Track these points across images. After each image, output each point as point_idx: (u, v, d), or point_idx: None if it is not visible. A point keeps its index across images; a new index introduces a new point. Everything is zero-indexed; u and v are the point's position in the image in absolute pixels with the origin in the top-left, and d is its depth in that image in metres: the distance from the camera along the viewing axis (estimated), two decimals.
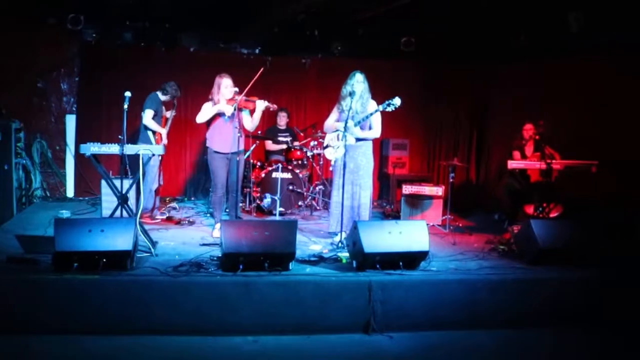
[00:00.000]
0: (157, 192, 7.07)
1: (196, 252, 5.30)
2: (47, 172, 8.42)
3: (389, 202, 8.72)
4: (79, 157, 8.10)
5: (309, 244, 5.91)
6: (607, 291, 4.86)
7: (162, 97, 6.87)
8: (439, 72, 9.23)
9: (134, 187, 5.51)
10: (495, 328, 4.64)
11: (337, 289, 4.53)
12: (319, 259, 5.16)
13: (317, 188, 8.10)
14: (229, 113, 5.95)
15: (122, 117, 5.11)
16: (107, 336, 4.20)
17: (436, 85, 9.25)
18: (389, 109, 5.57)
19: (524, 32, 7.83)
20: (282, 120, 8.44)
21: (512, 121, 7.81)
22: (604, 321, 4.78)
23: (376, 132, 5.85)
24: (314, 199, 8.00)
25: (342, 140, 5.69)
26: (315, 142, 7.94)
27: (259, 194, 7.45)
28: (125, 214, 5.27)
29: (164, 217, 7.11)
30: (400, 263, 4.81)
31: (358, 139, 5.78)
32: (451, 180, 6.95)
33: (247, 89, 5.91)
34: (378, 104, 5.82)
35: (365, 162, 5.84)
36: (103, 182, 6.42)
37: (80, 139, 7.94)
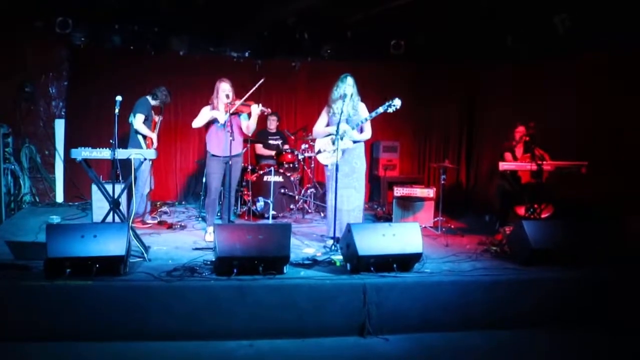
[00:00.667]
0: (148, 196, 7.03)
1: (189, 256, 5.27)
2: (36, 177, 8.35)
3: (380, 204, 8.74)
4: (68, 162, 8.05)
5: (302, 247, 5.90)
6: (600, 291, 4.90)
7: (152, 102, 6.83)
8: (428, 74, 9.28)
9: (125, 191, 5.47)
10: (490, 329, 4.66)
11: (332, 292, 4.52)
12: (313, 262, 5.14)
13: (308, 191, 8.09)
14: (222, 120, 5.95)
15: (112, 121, 5.08)
16: (101, 342, 4.16)
17: (426, 88, 9.29)
18: (390, 110, 5.57)
19: (512, 34, 7.90)
20: (273, 124, 8.44)
21: (502, 122, 7.86)
22: (597, 321, 4.82)
23: (369, 133, 5.88)
24: (305, 202, 8.00)
25: (335, 144, 5.67)
26: (306, 145, 7.94)
27: (250, 198, 7.43)
28: (117, 218, 5.24)
29: (156, 221, 7.07)
30: (394, 265, 4.81)
31: (354, 142, 5.79)
32: (442, 182, 6.98)
33: (246, 96, 5.92)
34: (367, 106, 5.85)
35: (359, 164, 5.87)
36: (94, 187, 6.39)
37: (69, 144, 7.90)
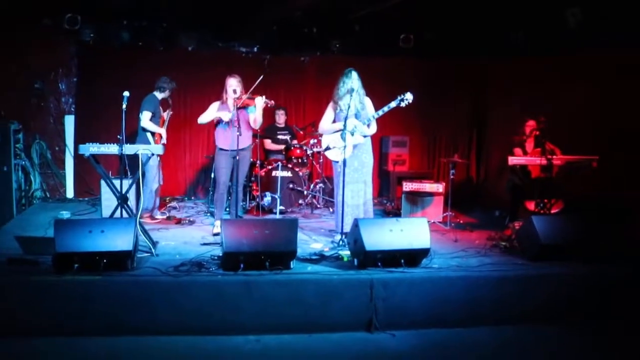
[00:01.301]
0: (157, 191, 7.06)
1: (197, 251, 5.28)
2: (46, 173, 8.41)
3: (389, 199, 8.71)
4: (78, 157, 8.09)
5: (309, 242, 5.89)
6: (610, 287, 4.85)
7: (160, 95, 6.85)
8: (437, 69, 9.21)
9: (133, 187, 5.49)
10: (498, 325, 4.63)
11: (339, 287, 4.51)
12: (320, 258, 5.13)
13: (317, 186, 8.08)
14: (226, 119, 6.01)
15: (121, 117, 5.10)
16: (109, 337, 4.18)
17: (435, 82, 9.21)
18: (402, 104, 5.57)
19: (523, 28, 7.83)
20: (281, 118, 8.43)
21: (512, 117, 7.79)
22: (607, 317, 4.77)
23: (375, 127, 5.88)
24: (314, 197, 7.98)
25: (344, 139, 5.64)
26: (315, 140, 7.92)
27: (258, 193, 7.43)
28: (125, 214, 5.26)
29: (165, 216, 7.10)
30: (402, 261, 4.79)
31: (364, 137, 5.78)
32: (451, 177, 6.93)
33: (250, 90, 6.01)
34: (375, 101, 5.82)
35: (368, 159, 5.87)
36: (103, 183, 6.41)
37: (79, 140, 7.92)
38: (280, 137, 8.27)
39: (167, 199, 8.33)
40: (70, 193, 8.50)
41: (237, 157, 5.99)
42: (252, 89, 5.99)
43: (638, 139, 6.53)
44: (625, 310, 4.77)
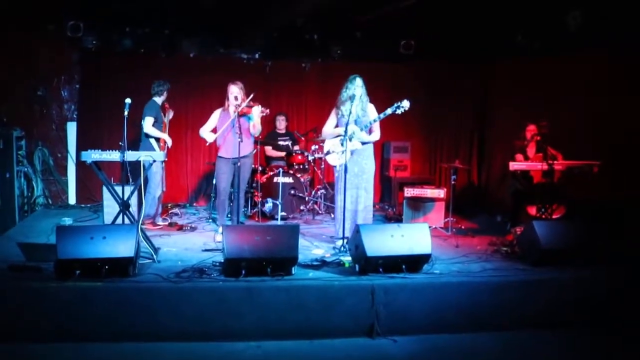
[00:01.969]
0: (160, 198, 7.07)
1: (199, 257, 5.28)
2: (48, 179, 8.43)
3: (391, 205, 8.71)
4: (80, 164, 8.10)
5: (311, 248, 5.89)
6: (612, 292, 4.84)
7: (160, 100, 6.88)
8: (439, 74, 9.23)
9: (136, 193, 5.50)
10: (499, 330, 4.62)
11: (340, 293, 4.51)
12: (322, 264, 5.13)
13: (319, 192, 8.09)
14: (210, 140, 6.23)
15: (123, 124, 5.11)
16: (110, 343, 4.18)
17: (436, 87, 9.24)
18: (398, 112, 5.57)
19: (523, 31, 7.85)
20: (281, 124, 8.43)
21: (514, 122, 7.78)
22: (609, 322, 4.76)
23: (378, 135, 5.87)
24: (315, 203, 7.99)
25: (344, 145, 5.66)
26: (317, 146, 7.93)
27: (260, 199, 7.44)
28: (127, 220, 5.26)
29: (166, 223, 7.10)
30: (403, 266, 4.78)
31: (363, 143, 5.79)
32: (453, 182, 6.95)
33: (245, 102, 6.08)
34: (377, 107, 5.83)
35: (369, 165, 5.86)
36: (104, 189, 6.42)
37: (81, 146, 7.95)
38: (281, 142, 8.28)
39: (169, 205, 8.33)
40: (72, 200, 8.52)
41: (239, 164, 6.01)
42: (245, 102, 6.06)
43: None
44: (626, 315, 4.76)
